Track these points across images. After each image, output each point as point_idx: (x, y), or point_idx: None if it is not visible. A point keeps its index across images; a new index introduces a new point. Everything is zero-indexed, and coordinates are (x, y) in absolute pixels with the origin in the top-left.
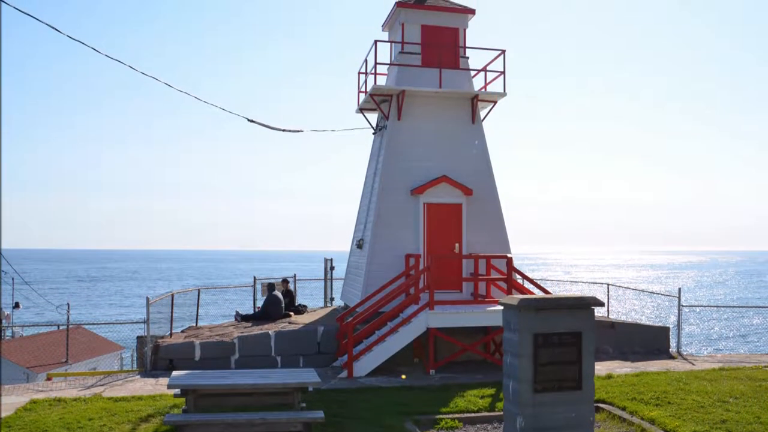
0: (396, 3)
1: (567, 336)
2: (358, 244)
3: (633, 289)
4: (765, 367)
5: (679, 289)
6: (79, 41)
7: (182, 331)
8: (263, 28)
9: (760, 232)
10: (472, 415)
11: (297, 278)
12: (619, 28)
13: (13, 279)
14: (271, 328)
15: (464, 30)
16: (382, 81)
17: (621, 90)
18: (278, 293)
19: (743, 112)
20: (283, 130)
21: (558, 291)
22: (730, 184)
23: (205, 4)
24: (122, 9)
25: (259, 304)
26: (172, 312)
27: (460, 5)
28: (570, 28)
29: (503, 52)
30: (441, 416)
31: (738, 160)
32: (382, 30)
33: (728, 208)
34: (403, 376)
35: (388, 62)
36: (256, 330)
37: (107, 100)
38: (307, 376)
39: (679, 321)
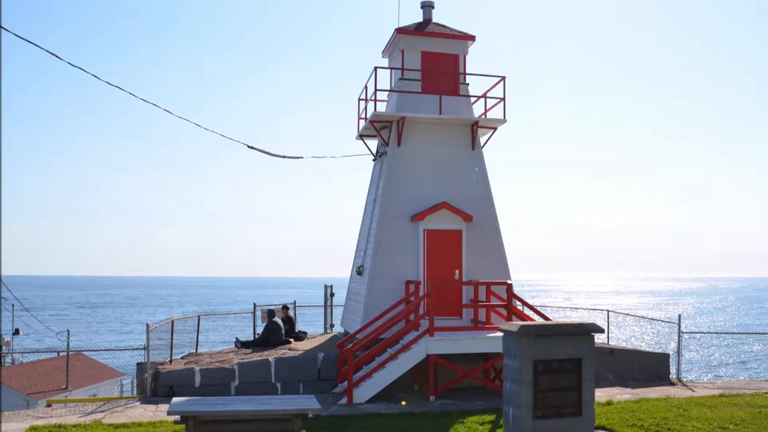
0: (396, 29)
1: (567, 362)
2: (358, 271)
3: (633, 315)
4: (765, 393)
5: (679, 315)
6: (79, 68)
7: (182, 358)
8: (263, 55)
9: (760, 258)
10: None
11: (297, 305)
12: (618, 54)
13: (13, 305)
14: (271, 355)
15: (464, 56)
16: (382, 107)
17: (621, 116)
18: (278, 320)
19: (743, 137)
20: (283, 157)
21: (558, 318)
22: (729, 210)
23: (205, 30)
24: (122, 35)
25: (259, 330)
26: (172, 338)
27: (460, 32)
28: (570, 53)
29: (503, 78)
30: None
31: (738, 186)
32: (382, 56)
33: (728, 233)
34: (404, 403)
35: (388, 89)
36: (256, 356)
37: (108, 126)
38: (307, 403)
39: (679, 347)
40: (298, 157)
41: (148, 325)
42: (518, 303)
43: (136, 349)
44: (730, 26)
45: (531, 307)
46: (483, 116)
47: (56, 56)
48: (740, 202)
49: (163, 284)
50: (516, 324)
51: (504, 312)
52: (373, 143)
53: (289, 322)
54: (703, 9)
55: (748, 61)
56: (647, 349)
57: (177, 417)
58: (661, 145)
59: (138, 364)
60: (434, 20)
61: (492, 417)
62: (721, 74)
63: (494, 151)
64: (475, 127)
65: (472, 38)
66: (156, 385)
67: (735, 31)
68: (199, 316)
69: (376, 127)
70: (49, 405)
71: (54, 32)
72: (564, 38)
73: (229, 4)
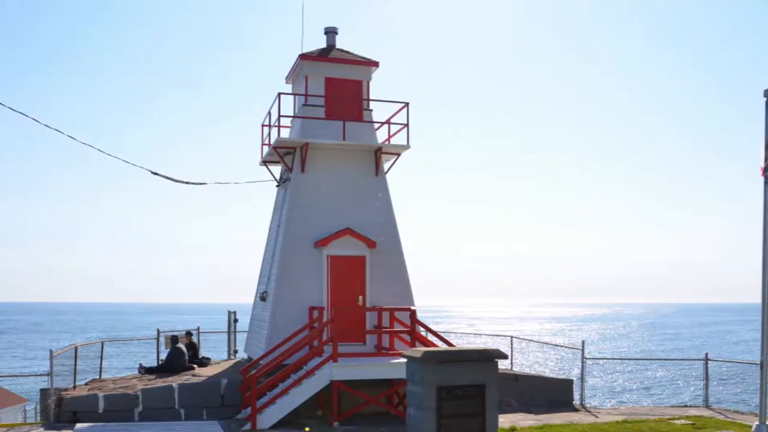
0: (299, 55)
1: (471, 388)
2: (262, 297)
3: (537, 341)
4: (669, 419)
5: (583, 341)
6: None
7: (86, 384)
8: (165, 80)
9: (662, 284)
10: None
11: (200, 330)
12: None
13: None
14: (174, 381)
15: (368, 82)
16: (285, 133)
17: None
18: (182, 346)
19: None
20: (187, 183)
21: (461, 344)
22: (631, 236)
23: (105, 55)
24: (23, 59)
25: (163, 356)
26: (75, 364)
27: (364, 58)
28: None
29: (407, 104)
30: None
31: (639, 212)
32: (286, 82)
33: (630, 260)
34: (307, 429)
35: (292, 114)
36: (160, 383)
37: (8, 151)
38: (211, 429)
39: (582, 373)
40: (201, 183)
41: (51, 351)
42: (422, 329)
43: (40, 375)
44: (628, 51)
45: (435, 333)
46: (387, 142)
47: None
48: (641, 229)
49: (65, 310)
50: (419, 350)
51: (408, 338)
52: (277, 169)
53: (193, 348)
54: (601, 36)
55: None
56: (551, 375)
57: None
58: (561, 172)
59: (41, 390)
60: (338, 46)
61: None
62: (619, 100)
63: (399, 177)
64: (378, 152)
65: (376, 64)
66: (59, 411)
67: (633, 56)
68: (102, 342)
69: (279, 153)
70: None
71: None
72: (467, 64)
73: (132, 29)
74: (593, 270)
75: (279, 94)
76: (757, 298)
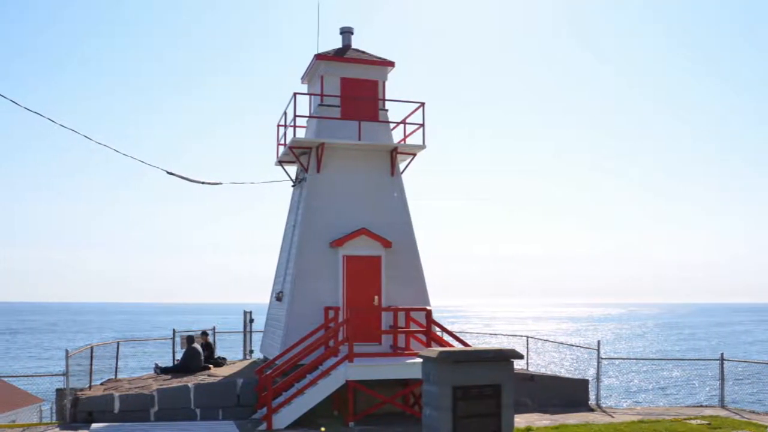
0: (315, 55)
1: (486, 388)
2: (278, 297)
3: (553, 341)
4: (685, 419)
5: (599, 341)
6: None
7: (102, 384)
8: (180, 79)
9: (678, 283)
10: None
11: (216, 330)
12: (532, 79)
13: None
14: (190, 381)
15: (384, 82)
16: (301, 133)
17: (539, 143)
18: (197, 346)
19: (653, 163)
20: (202, 183)
21: (477, 344)
22: (647, 237)
23: (120, 55)
24: (37, 59)
25: (179, 356)
26: (91, 364)
27: (380, 58)
28: (489, 79)
29: (422, 104)
30: None
31: (652, 213)
32: (302, 82)
33: (647, 260)
34: (323, 429)
35: (308, 115)
36: (176, 383)
37: (25, 152)
38: (227, 429)
39: (598, 373)
40: (217, 183)
41: (67, 351)
42: (437, 329)
43: (56, 375)
44: (644, 50)
45: (450, 333)
46: (402, 142)
47: None
48: (657, 228)
49: (82, 310)
50: (435, 350)
51: (423, 338)
52: (293, 169)
53: (209, 348)
54: (616, 35)
55: (665, 87)
56: (567, 375)
57: None
58: (576, 172)
59: (57, 390)
60: (354, 46)
61: None
62: (635, 100)
63: (414, 176)
64: (394, 152)
65: (392, 64)
66: (75, 411)
67: (649, 56)
68: (118, 342)
69: (295, 153)
70: None
71: None
72: (482, 64)
73: (147, 28)
74: (608, 270)
75: (295, 94)
76: None
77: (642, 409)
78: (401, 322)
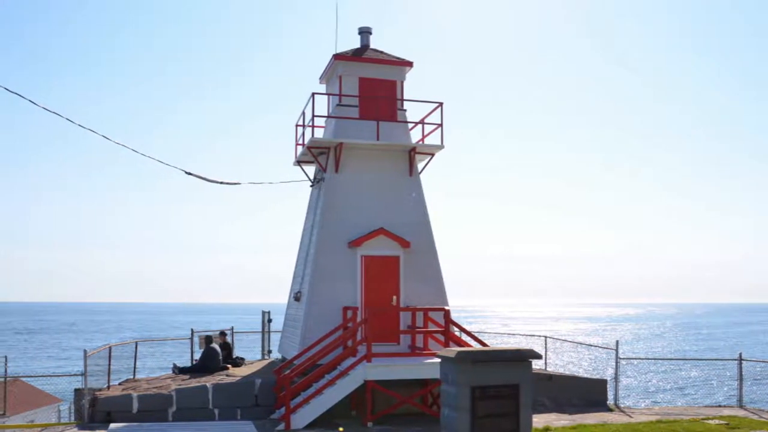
0: (333, 55)
1: (504, 388)
2: (296, 297)
3: (571, 341)
4: (703, 419)
5: (617, 341)
6: (16, 93)
7: (120, 384)
8: (199, 79)
9: (696, 283)
10: None
11: (234, 330)
12: (548, 80)
13: None
14: (208, 381)
15: (402, 82)
16: (319, 133)
17: (557, 144)
18: (216, 346)
19: (669, 163)
20: (221, 183)
21: (496, 344)
22: (664, 236)
23: (138, 55)
24: (56, 59)
25: (197, 356)
26: (109, 364)
27: (398, 58)
28: (501, 79)
29: (441, 104)
30: None
31: (668, 213)
32: (320, 82)
33: (664, 260)
34: (341, 429)
35: (326, 115)
36: (194, 382)
37: (43, 152)
38: (245, 429)
39: (616, 373)
40: (235, 183)
41: (85, 351)
42: (456, 329)
43: (74, 375)
44: (658, 50)
45: (468, 333)
46: (420, 142)
47: None
48: (674, 228)
49: (99, 310)
50: (453, 350)
51: (441, 338)
52: (311, 169)
53: (227, 348)
54: (630, 36)
55: (677, 87)
56: (585, 375)
57: None
58: (592, 172)
59: (75, 390)
60: (372, 46)
61: None
62: (649, 100)
63: (432, 176)
64: (412, 152)
65: (410, 64)
66: (93, 411)
67: (662, 56)
68: (136, 342)
69: (313, 153)
70: None
71: None
72: (499, 64)
73: (166, 29)
74: (625, 270)
75: (313, 94)
76: None
77: (660, 409)
78: (419, 322)
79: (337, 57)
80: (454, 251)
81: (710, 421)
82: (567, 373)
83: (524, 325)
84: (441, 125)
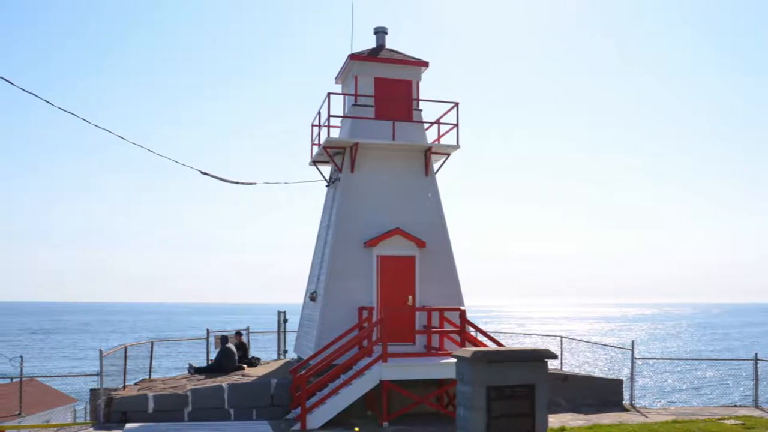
0: (349, 55)
1: (520, 388)
2: (312, 297)
3: (586, 341)
4: (719, 419)
5: (633, 341)
6: (32, 93)
7: (135, 384)
8: (214, 79)
9: (712, 283)
10: None
11: (250, 330)
12: (566, 79)
13: None
14: (224, 381)
15: (417, 82)
16: (335, 133)
17: (574, 144)
18: (231, 346)
19: (686, 163)
20: (236, 183)
21: (511, 344)
22: (679, 236)
23: (155, 55)
24: (72, 60)
25: (213, 356)
26: (125, 364)
27: (414, 58)
28: (519, 79)
29: (456, 104)
30: None
31: (685, 212)
32: (336, 82)
33: (679, 259)
34: (357, 429)
35: (342, 115)
36: (210, 382)
37: (58, 152)
38: (261, 429)
39: (632, 373)
40: (250, 183)
41: (101, 351)
42: (471, 329)
43: (90, 375)
44: (677, 50)
45: (484, 333)
46: (436, 142)
47: (8, 81)
48: (690, 228)
49: (114, 310)
50: (469, 350)
51: (457, 338)
52: (327, 169)
53: (243, 348)
54: (649, 35)
55: (693, 86)
56: (600, 375)
57: None
58: (609, 172)
59: (91, 390)
60: (387, 46)
61: None
62: (668, 100)
63: (448, 176)
64: (428, 152)
65: (426, 64)
66: (109, 411)
67: (682, 55)
68: (152, 342)
69: (329, 153)
70: (1, 431)
71: (3, 56)
72: (515, 63)
73: (180, 29)
74: (641, 270)
75: (329, 94)
76: None
77: (676, 409)
78: (435, 322)
79: (353, 57)
80: (470, 251)
81: (726, 421)
82: (582, 373)
83: (540, 325)
84: (457, 125)
